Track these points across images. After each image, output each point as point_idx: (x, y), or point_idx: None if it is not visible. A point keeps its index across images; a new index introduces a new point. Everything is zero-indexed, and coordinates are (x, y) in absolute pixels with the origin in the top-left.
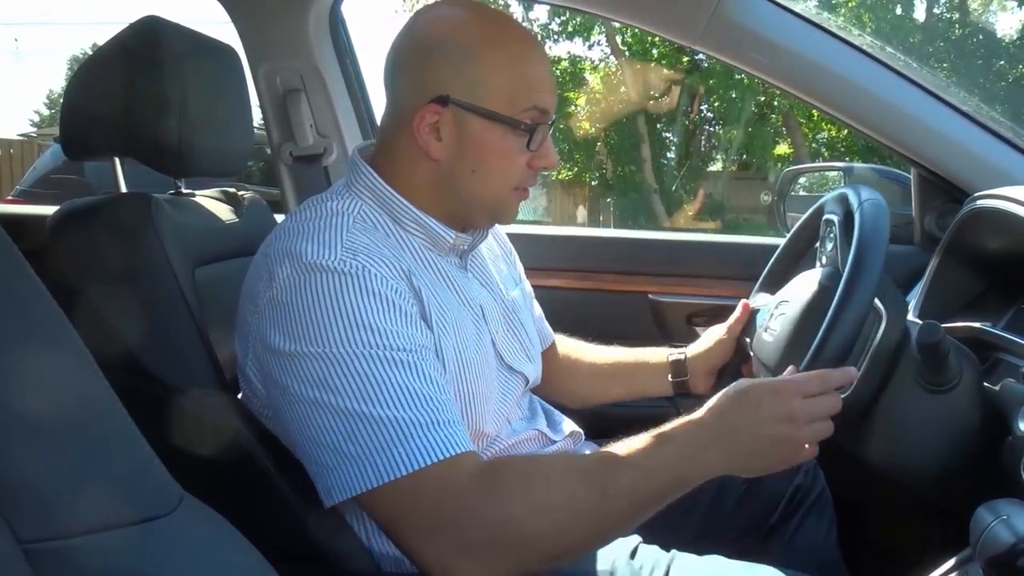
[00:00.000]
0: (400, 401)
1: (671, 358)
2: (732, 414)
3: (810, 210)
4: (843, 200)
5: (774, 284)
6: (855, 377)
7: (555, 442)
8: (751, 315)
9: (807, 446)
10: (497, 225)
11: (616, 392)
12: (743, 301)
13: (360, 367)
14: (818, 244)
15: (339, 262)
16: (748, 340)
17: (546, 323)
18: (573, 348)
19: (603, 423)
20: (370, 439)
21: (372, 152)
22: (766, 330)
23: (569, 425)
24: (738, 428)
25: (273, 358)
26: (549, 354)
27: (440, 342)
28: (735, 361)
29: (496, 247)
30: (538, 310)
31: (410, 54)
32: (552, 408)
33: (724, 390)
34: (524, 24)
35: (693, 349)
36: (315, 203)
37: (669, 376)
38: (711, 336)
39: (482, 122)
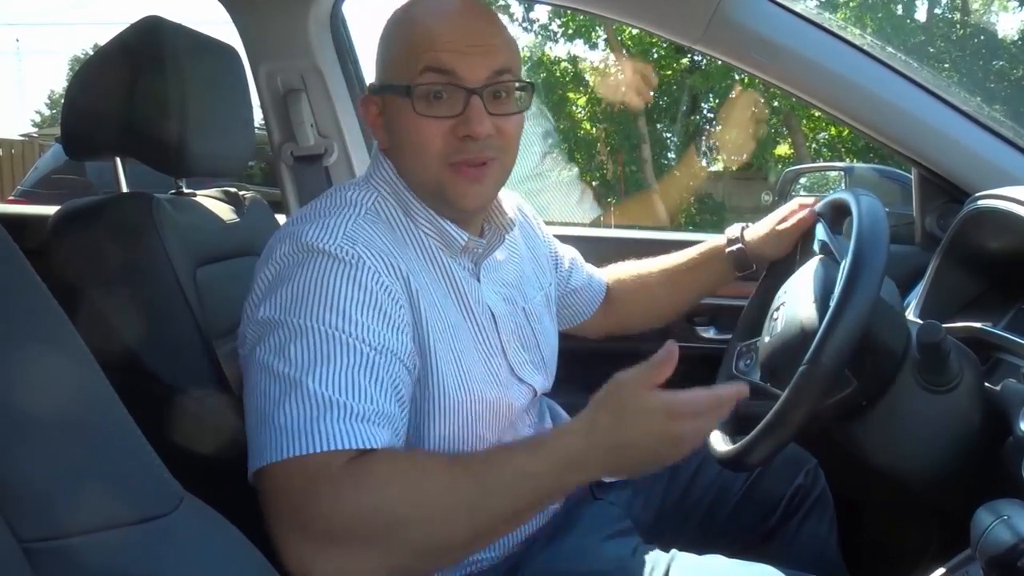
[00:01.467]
0: (341, 386)
1: (730, 250)
2: (622, 428)
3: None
4: (842, 205)
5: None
6: (747, 394)
7: None
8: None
9: (685, 445)
10: (531, 221)
11: (684, 299)
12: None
13: (320, 343)
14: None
15: (336, 247)
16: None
17: (596, 276)
18: (624, 276)
19: None
20: (299, 411)
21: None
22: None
23: None
24: (624, 443)
25: (252, 327)
26: (606, 303)
27: (430, 347)
28: (788, 260)
29: (522, 245)
30: (587, 268)
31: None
32: (562, 413)
33: (613, 396)
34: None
35: (752, 235)
36: (334, 191)
37: (735, 271)
38: (770, 224)
39: (391, 99)
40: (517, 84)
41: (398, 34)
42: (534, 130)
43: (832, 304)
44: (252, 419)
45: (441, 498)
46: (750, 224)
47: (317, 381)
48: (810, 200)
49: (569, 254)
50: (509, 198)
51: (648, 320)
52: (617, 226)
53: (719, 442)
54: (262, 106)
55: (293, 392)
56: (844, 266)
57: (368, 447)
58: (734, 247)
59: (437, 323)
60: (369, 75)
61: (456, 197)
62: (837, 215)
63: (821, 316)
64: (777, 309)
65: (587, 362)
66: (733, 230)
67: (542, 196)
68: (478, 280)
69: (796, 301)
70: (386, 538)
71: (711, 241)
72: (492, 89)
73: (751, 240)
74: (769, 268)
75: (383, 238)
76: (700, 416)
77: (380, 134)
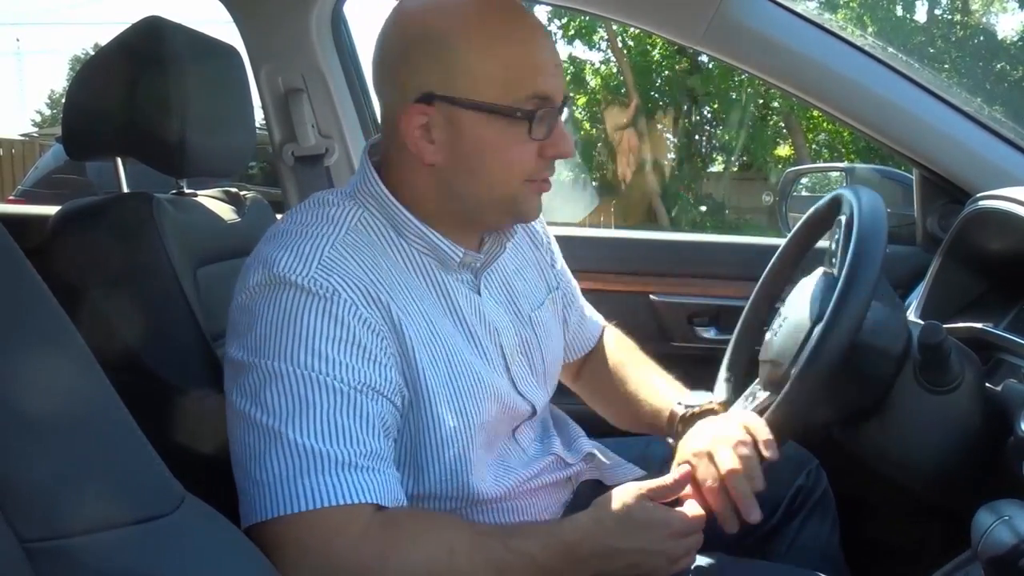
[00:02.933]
0: (324, 432)
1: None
2: (624, 535)
3: (807, 213)
4: (841, 202)
5: (774, 286)
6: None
7: (571, 466)
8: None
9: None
10: (534, 223)
11: (624, 422)
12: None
13: (296, 388)
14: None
15: (309, 280)
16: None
17: (592, 320)
18: (609, 378)
19: (601, 422)
20: (281, 465)
21: (379, 158)
22: (772, 331)
23: (585, 444)
24: (626, 549)
25: (227, 365)
26: (592, 355)
27: (420, 375)
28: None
29: (526, 251)
30: (584, 308)
31: (388, 53)
32: (568, 422)
33: (620, 502)
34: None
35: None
36: (316, 205)
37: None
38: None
39: (474, 115)
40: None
41: (486, 46)
42: None
43: (833, 297)
44: (236, 472)
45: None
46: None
47: (297, 431)
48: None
49: (572, 285)
50: None
51: (596, 406)
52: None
53: None
54: (263, 106)
55: (274, 444)
56: (844, 264)
57: (360, 501)
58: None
59: (428, 347)
60: (371, 75)
61: (528, 210)
62: (838, 211)
63: (821, 313)
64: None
65: None
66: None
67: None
68: (478, 293)
69: (796, 307)
70: None
71: (664, 407)
72: (564, 108)
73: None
74: (766, 276)
75: (363, 264)
76: (694, 535)
77: (425, 147)
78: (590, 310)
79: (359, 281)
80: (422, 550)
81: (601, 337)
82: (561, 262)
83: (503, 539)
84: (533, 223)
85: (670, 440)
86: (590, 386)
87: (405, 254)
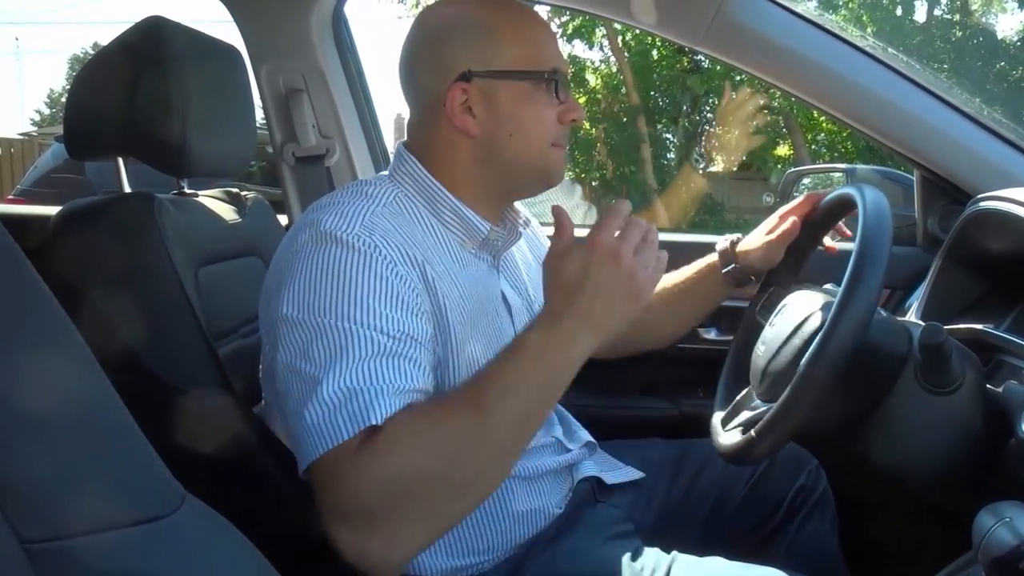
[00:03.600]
0: (363, 376)
1: (725, 270)
2: (562, 290)
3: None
4: (847, 199)
5: (777, 287)
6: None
7: (570, 450)
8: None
9: (644, 275)
10: (541, 233)
11: (683, 321)
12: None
13: (339, 340)
14: None
15: (353, 236)
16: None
17: None
18: None
19: (606, 426)
20: (318, 406)
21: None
22: (774, 333)
23: (584, 435)
24: (574, 296)
25: (275, 325)
26: None
27: (452, 335)
28: (785, 271)
29: (529, 253)
30: None
31: (424, 45)
32: (568, 416)
33: (551, 273)
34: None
35: (743, 248)
36: (354, 185)
37: (732, 287)
38: (760, 235)
39: (509, 84)
40: None
41: (513, 34)
42: None
43: (837, 297)
44: (289, 422)
45: (455, 438)
46: (740, 236)
47: (338, 376)
48: (805, 201)
49: None
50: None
51: (648, 343)
52: None
53: (723, 436)
54: (263, 106)
55: (316, 390)
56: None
57: (377, 420)
58: (728, 266)
59: (458, 312)
60: (372, 76)
61: (556, 173)
62: (842, 210)
63: (824, 314)
64: (777, 315)
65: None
66: (723, 244)
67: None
68: (497, 271)
69: (797, 308)
70: (421, 499)
71: (704, 260)
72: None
73: (742, 254)
74: (767, 278)
75: (400, 230)
76: (639, 248)
77: (467, 120)
78: None
79: (397, 242)
80: (410, 450)
81: None
82: None
83: (475, 399)
84: (536, 230)
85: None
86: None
87: (435, 232)
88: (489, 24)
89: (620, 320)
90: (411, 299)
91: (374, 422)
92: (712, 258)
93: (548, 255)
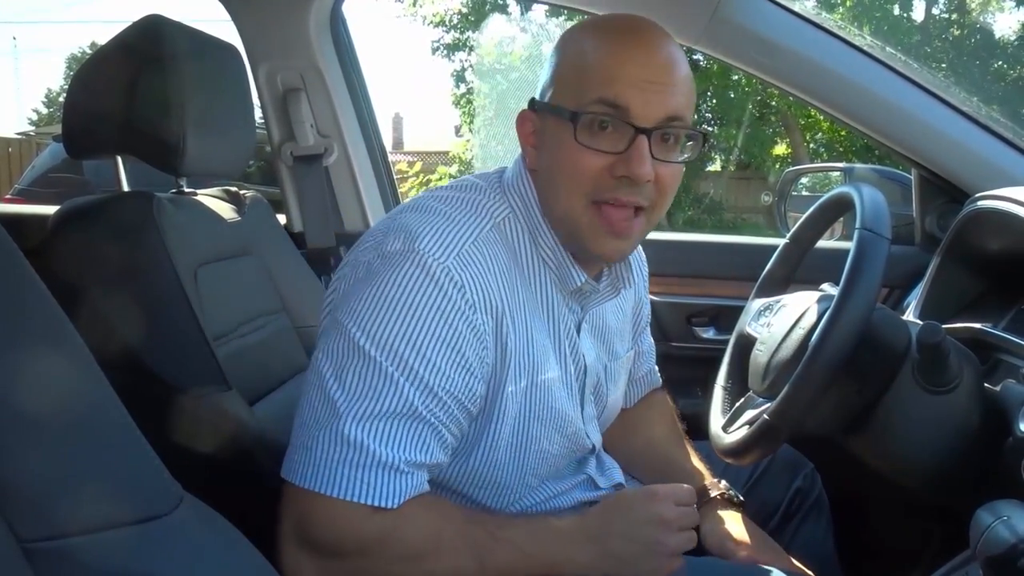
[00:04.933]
0: (379, 434)
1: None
2: (610, 517)
3: (809, 211)
4: (845, 198)
5: (773, 287)
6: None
7: (601, 489)
8: None
9: (673, 557)
10: (644, 274)
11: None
12: None
13: (375, 381)
14: None
15: (441, 269)
16: None
17: (653, 377)
18: (649, 419)
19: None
20: (330, 445)
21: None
22: (770, 334)
23: (617, 474)
24: (614, 531)
25: (328, 320)
26: (641, 403)
27: (503, 393)
28: (778, 278)
29: (628, 299)
30: (651, 367)
31: None
32: (604, 453)
33: (605, 498)
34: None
35: (712, 530)
36: (466, 189)
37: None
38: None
39: (552, 119)
40: (688, 132)
41: (573, 55)
42: None
43: (835, 297)
44: (296, 423)
45: (454, 555)
46: (721, 499)
47: (358, 421)
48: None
49: (648, 340)
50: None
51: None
52: None
53: (725, 439)
54: (262, 105)
55: (334, 421)
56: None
57: (386, 505)
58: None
59: (521, 364)
60: (370, 75)
61: (592, 242)
62: (840, 209)
63: (821, 314)
64: (775, 315)
65: None
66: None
67: None
68: (578, 330)
69: (794, 309)
70: None
71: (696, 479)
72: (662, 132)
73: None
74: (764, 277)
75: (496, 266)
76: (683, 531)
77: (531, 153)
78: (655, 374)
79: (486, 285)
80: (413, 538)
81: (654, 391)
82: (648, 328)
83: (490, 527)
84: (645, 280)
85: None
86: (625, 419)
87: (534, 268)
88: (562, 49)
89: (624, 566)
90: (472, 355)
91: (383, 504)
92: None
93: (622, 492)
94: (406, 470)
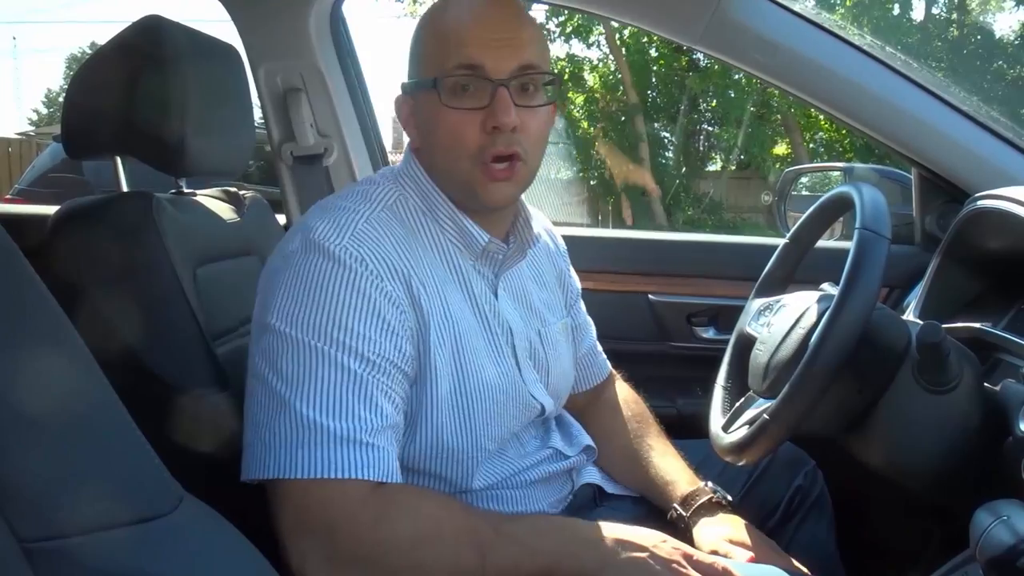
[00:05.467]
0: (328, 408)
1: (674, 515)
2: (630, 537)
3: (808, 211)
4: (845, 198)
5: (773, 287)
6: None
7: (569, 457)
8: None
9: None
10: (563, 247)
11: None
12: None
13: (310, 361)
14: None
15: (340, 248)
16: None
17: (599, 358)
18: (619, 424)
19: None
20: (285, 432)
21: None
22: (770, 334)
23: (584, 438)
24: (622, 547)
25: (254, 327)
26: (593, 395)
27: (431, 355)
28: (777, 279)
29: (550, 273)
30: (596, 347)
31: None
32: (570, 420)
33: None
34: None
35: (707, 534)
36: (360, 183)
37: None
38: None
39: (422, 96)
40: (545, 78)
41: (428, 33)
42: None
43: (835, 297)
44: (247, 427)
45: (446, 560)
46: (711, 503)
47: (304, 402)
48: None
49: (585, 317)
50: (542, 221)
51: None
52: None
53: (725, 439)
54: (262, 106)
55: (282, 410)
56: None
57: (353, 476)
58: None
59: (442, 327)
60: (370, 75)
61: (484, 192)
62: (840, 208)
63: (821, 314)
64: (775, 314)
65: None
66: (675, 514)
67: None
68: (495, 294)
69: (794, 308)
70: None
71: (682, 484)
72: (519, 82)
73: (696, 523)
74: (764, 277)
75: (393, 238)
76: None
77: (412, 133)
78: (602, 354)
79: (387, 255)
80: (411, 523)
81: (610, 381)
82: (580, 302)
83: (493, 522)
84: (558, 244)
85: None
86: (596, 429)
87: (435, 239)
88: (418, 30)
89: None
90: (393, 318)
91: (352, 475)
92: (686, 488)
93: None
94: (365, 440)
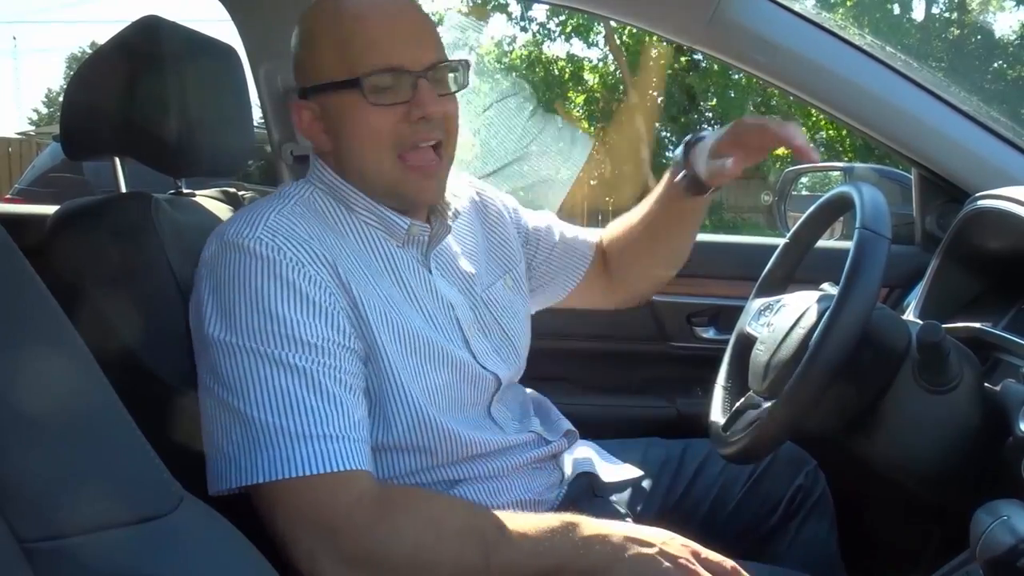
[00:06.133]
0: (277, 407)
1: (678, 179)
2: (638, 534)
3: (808, 211)
4: (845, 197)
5: (773, 287)
6: None
7: (550, 442)
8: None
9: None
10: (486, 199)
11: (673, 240)
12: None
13: (250, 364)
14: None
15: (254, 241)
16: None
17: (581, 236)
18: (613, 233)
19: (604, 425)
20: (240, 439)
21: None
22: (770, 333)
23: (565, 423)
24: (630, 544)
25: (195, 343)
26: (603, 267)
27: (375, 336)
28: (778, 278)
29: (478, 231)
30: (569, 230)
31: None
32: (550, 406)
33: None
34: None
35: (699, 153)
36: (279, 188)
37: (676, 179)
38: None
39: (334, 96)
40: (452, 65)
41: (328, 33)
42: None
43: (835, 297)
44: (204, 440)
45: (448, 559)
46: (698, 137)
47: (251, 405)
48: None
49: (544, 220)
50: (463, 181)
51: (653, 274)
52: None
53: (725, 438)
54: (262, 106)
55: (232, 417)
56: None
57: (335, 469)
58: (681, 175)
59: (378, 308)
60: None
61: (409, 191)
62: (840, 208)
63: (821, 314)
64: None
65: (592, 363)
66: (678, 153)
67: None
68: (429, 271)
69: (794, 308)
70: (392, 570)
71: (669, 172)
72: (434, 73)
73: (698, 159)
74: (764, 278)
75: (308, 228)
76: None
77: (320, 137)
78: (581, 230)
79: (303, 242)
80: (412, 522)
81: (596, 244)
82: (531, 218)
83: (497, 522)
84: (493, 201)
85: (696, 169)
86: (622, 256)
87: (356, 229)
88: (306, 35)
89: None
90: (321, 299)
91: (335, 469)
92: (669, 173)
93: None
94: (322, 432)
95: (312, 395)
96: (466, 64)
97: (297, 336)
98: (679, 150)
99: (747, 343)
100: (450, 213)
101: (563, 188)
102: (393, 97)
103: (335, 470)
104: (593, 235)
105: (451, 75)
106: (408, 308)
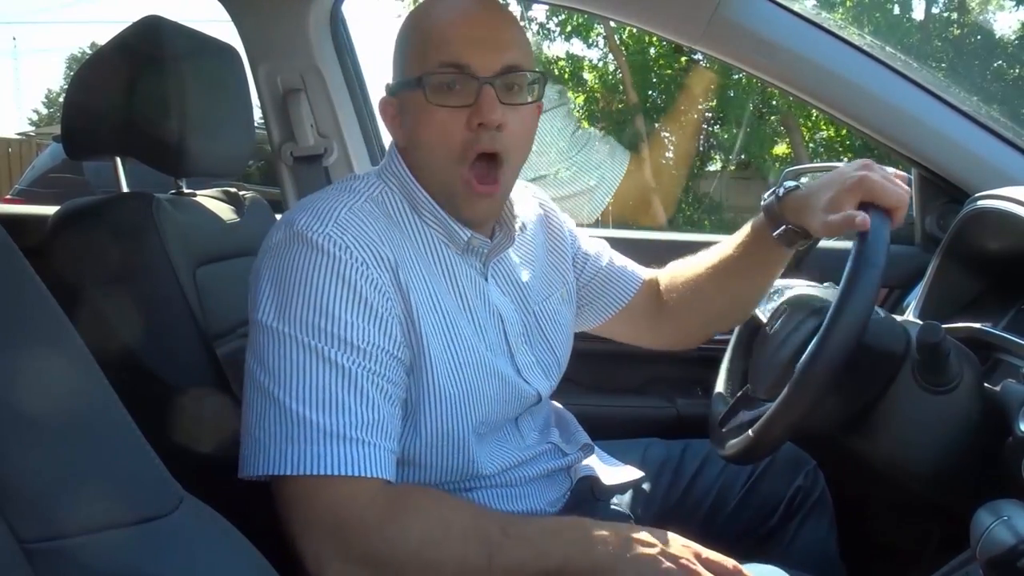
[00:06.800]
0: (315, 402)
1: (776, 232)
2: (640, 534)
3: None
4: None
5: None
6: None
7: (567, 455)
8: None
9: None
10: (549, 216)
11: (746, 291)
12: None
13: (297, 355)
14: None
15: (323, 237)
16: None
17: (630, 268)
18: (674, 276)
19: (605, 425)
20: (273, 427)
21: None
22: (771, 334)
23: (583, 437)
24: (633, 544)
25: (250, 327)
26: (656, 307)
27: (424, 345)
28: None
29: (539, 244)
30: (620, 259)
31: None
32: (568, 417)
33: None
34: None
35: (795, 204)
36: (343, 179)
37: (787, 247)
38: (818, 197)
39: (407, 95)
40: (529, 77)
41: (412, 34)
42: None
43: (836, 297)
44: (242, 424)
45: (453, 561)
46: (790, 189)
47: (292, 397)
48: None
49: (597, 246)
50: (528, 194)
51: (709, 322)
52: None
53: (723, 437)
54: (262, 106)
55: (271, 406)
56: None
57: (341, 473)
58: (779, 228)
59: (431, 316)
60: (370, 75)
61: (465, 207)
62: None
63: (823, 313)
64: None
65: (592, 363)
66: (770, 200)
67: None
68: (485, 279)
69: (795, 308)
70: (399, 571)
71: (747, 227)
72: (504, 80)
73: (792, 211)
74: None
75: (376, 227)
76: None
77: (398, 133)
78: (633, 264)
79: (370, 243)
80: (419, 523)
81: (648, 280)
82: (585, 242)
83: (502, 523)
84: (555, 216)
85: (801, 223)
86: (680, 301)
87: (419, 232)
88: (401, 32)
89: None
90: (379, 305)
91: (329, 472)
92: (756, 222)
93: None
94: (354, 435)
95: (352, 396)
96: (543, 77)
97: (348, 338)
98: (769, 199)
99: (754, 326)
100: (517, 225)
101: (601, 201)
102: (455, 99)
103: (360, 475)
104: (647, 272)
105: (529, 86)
106: (461, 317)
